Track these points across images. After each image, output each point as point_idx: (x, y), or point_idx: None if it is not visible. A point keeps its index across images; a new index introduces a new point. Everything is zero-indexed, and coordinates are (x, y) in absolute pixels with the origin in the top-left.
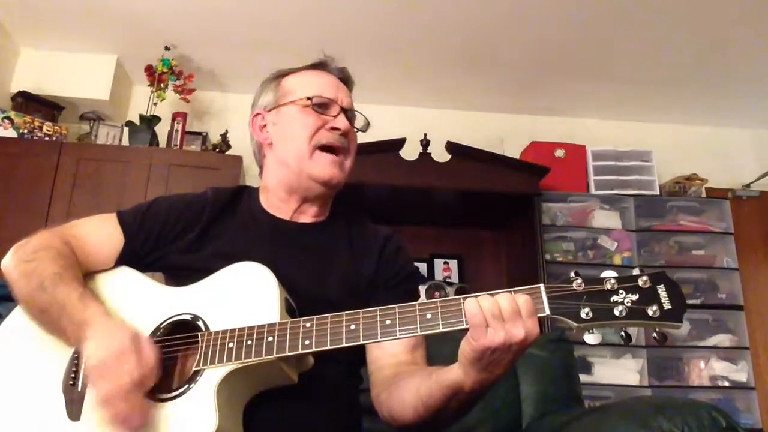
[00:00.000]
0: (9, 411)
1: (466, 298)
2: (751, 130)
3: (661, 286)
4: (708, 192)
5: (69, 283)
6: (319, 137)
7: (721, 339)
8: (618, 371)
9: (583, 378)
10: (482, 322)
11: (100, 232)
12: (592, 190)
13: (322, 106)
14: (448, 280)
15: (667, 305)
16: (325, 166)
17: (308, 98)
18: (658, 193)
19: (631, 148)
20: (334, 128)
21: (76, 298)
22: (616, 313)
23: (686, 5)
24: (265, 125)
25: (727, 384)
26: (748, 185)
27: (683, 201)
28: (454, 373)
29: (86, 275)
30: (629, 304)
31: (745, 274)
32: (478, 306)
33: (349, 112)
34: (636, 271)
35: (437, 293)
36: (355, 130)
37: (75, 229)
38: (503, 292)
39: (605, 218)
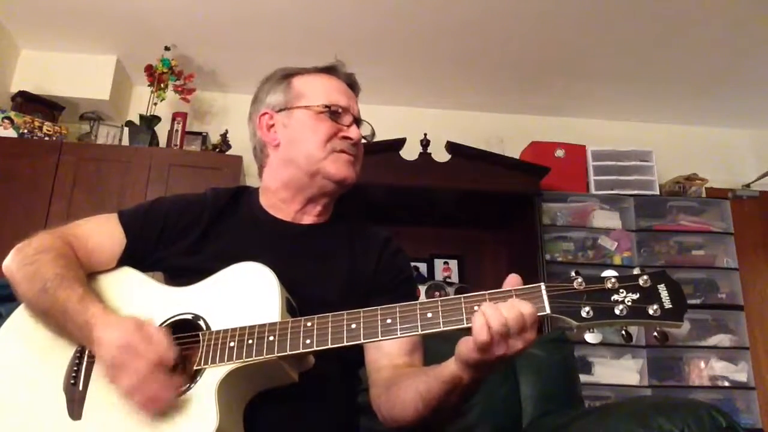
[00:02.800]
0: (10, 410)
1: (467, 299)
2: (751, 130)
3: (662, 285)
4: (708, 192)
5: (70, 285)
6: (333, 145)
7: (721, 339)
8: (618, 371)
9: (583, 378)
10: (489, 339)
11: (102, 233)
12: (592, 190)
13: (335, 114)
14: (448, 280)
15: (668, 304)
16: (342, 166)
17: (325, 106)
18: (658, 193)
19: (631, 148)
20: (346, 137)
21: (77, 299)
22: (617, 312)
23: (686, 5)
24: (273, 125)
25: (727, 384)
26: (748, 185)
27: (683, 201)
28: (452, 368)
29: (88, 275)
30: (630, 303)
31: (745, 274)
32: (487, 333)
33: (358, 120)
34: (636, 271)
35: (437, 293)
36: (363, 137)
37: (76, 229)
38: (504, 292)
39: (605, 218)
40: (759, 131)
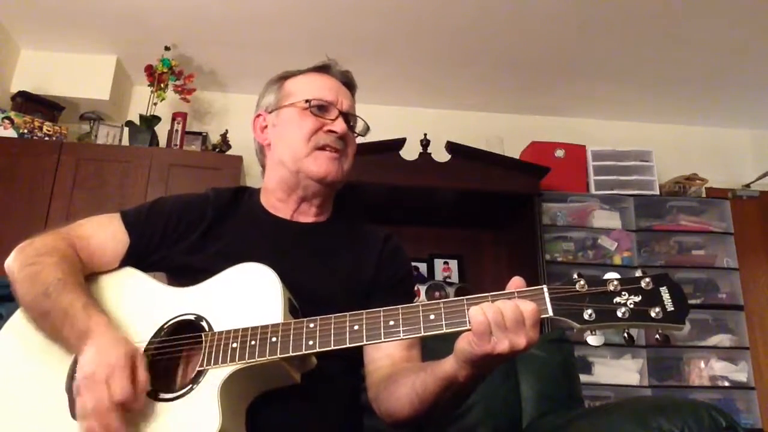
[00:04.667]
0: (13, 409)
1: (470, 300)
2: (751, 130)
3: (664, 287)
4: (708, 192)
5: (73, 290)
6: (317, 139)
7: (721, 339)
8: (618, 371)
9: (583, 378)
10: (486, 330)
11: (105, 233)
12: (592, 190)
13: (320, 109)
14: (448, 280)
15: (669, 307)
16: (322, 163)
17: (306, 101)
18: (658, 193)
19: (631, 148)
20: (331, 131)
21: (80, 306)
22: (619, 314)
23: (686, 6)
24: (265, 126)
25: (727, 384)
26: (748, 185)
27: (683, 201)
28: (449, 366)
29: (90, 276)
30: (632, 306)
31: (745, 274)
32: (483, 314)
33: (349, 116)
34: (638, 273)
35: (437, 293)
36: (354, 134)
37: (79, 229)
38: (507, 294)
39: (605, 218)
40: (759, 131)
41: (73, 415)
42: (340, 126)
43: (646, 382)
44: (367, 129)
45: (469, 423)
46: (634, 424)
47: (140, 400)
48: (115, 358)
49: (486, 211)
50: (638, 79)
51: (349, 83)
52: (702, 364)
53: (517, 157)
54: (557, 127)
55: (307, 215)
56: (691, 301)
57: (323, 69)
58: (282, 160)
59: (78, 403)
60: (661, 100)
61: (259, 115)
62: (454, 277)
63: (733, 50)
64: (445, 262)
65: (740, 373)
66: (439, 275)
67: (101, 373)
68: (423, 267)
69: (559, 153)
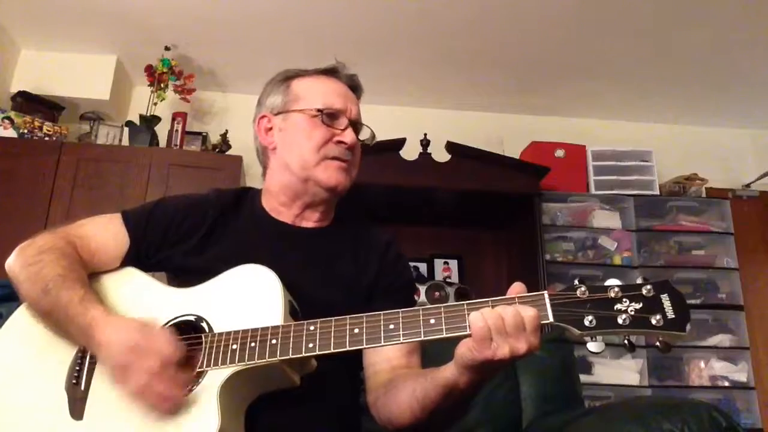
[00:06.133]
0: (12, 410)
1: (470, 305)
2: (751, 131)
3: (665, 295)
4: (708, 192)
5: (71, 286)
6: (326, 150)
7: (721, 339)
8: (618, 371)
9: (583, 378)
10: (487, 336)
11: (106, 233)
12: (592, 190)
13: (330, 117)
14: (448, 280)
15: (670, 314)
16: (333, 173)
17: (318, 110)
18: (658, 193)
19: (631, 148)
20: (341, 142)
21: (77, 301)
22: (620, 321)
23: (686, 5)
24: (271, 128)
25: (727, 384)
26: (748, 185)
27: (683, 201)
28: (449, 372)
29: (91, 275)
30: (633, 313)
31: (745, 274)
32: (483, 320)
33: (356, 124)
34: (640, 280)
35: (437, 293)
36: (360, 141)
37: (80, 229)
38: (508, 299)
39: (605, 218)
40: (759, 131)
41: (73, 415)
42: (350, 137)
43: (646, 382)
44: (373, 138)
45: (469, 423)
46: (634, 424)
47: (175, 350)
48: (128, 337)
49: (486, 211)
50: (638, 79)
51: (355, 87)
52: (702, 364)
53: (517, 157)
54: (557, 127)
55: (310, 220)
56: (691, 301)
57: (331, 72)
58: (289, 166)
59: (129, 389)
60: (661, 100)
61: (264, 116)
62: (454, 277)
63: (733, 50)
64: (445, 262)
65: (740, 373)
66: (439, 275)
67: (128, 355)
68: (423, 267)
69: (559, 153)
